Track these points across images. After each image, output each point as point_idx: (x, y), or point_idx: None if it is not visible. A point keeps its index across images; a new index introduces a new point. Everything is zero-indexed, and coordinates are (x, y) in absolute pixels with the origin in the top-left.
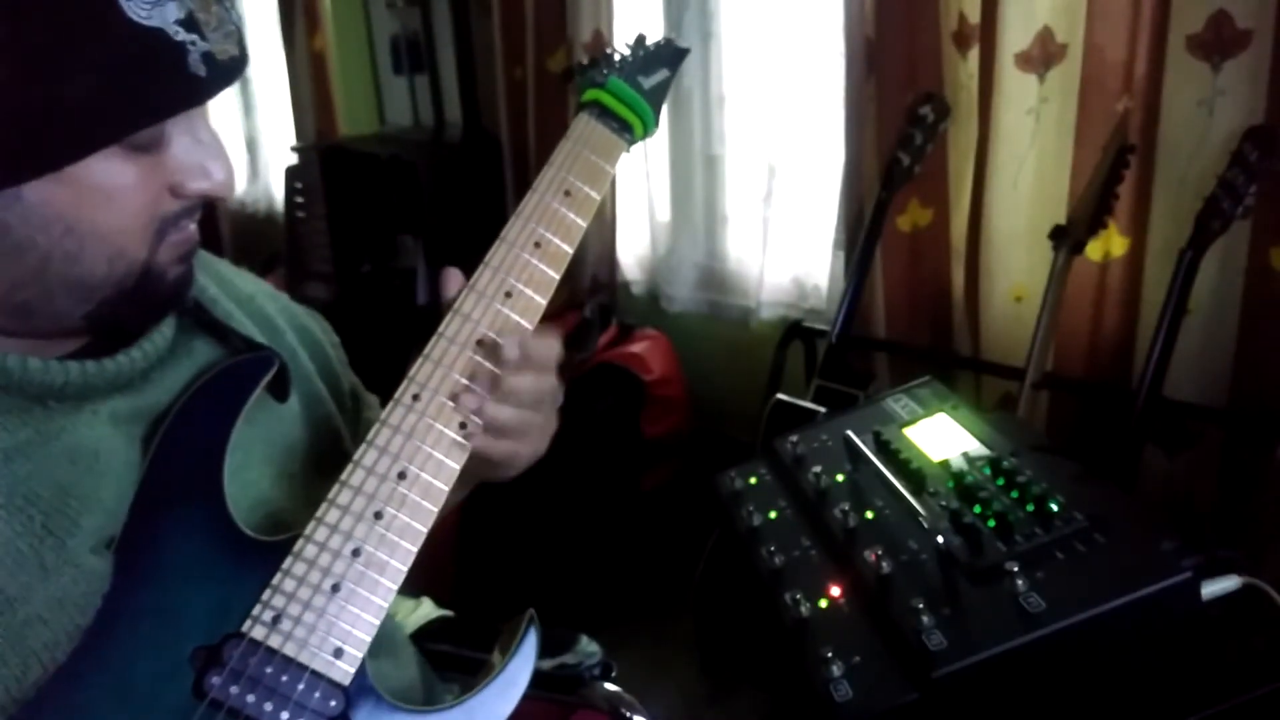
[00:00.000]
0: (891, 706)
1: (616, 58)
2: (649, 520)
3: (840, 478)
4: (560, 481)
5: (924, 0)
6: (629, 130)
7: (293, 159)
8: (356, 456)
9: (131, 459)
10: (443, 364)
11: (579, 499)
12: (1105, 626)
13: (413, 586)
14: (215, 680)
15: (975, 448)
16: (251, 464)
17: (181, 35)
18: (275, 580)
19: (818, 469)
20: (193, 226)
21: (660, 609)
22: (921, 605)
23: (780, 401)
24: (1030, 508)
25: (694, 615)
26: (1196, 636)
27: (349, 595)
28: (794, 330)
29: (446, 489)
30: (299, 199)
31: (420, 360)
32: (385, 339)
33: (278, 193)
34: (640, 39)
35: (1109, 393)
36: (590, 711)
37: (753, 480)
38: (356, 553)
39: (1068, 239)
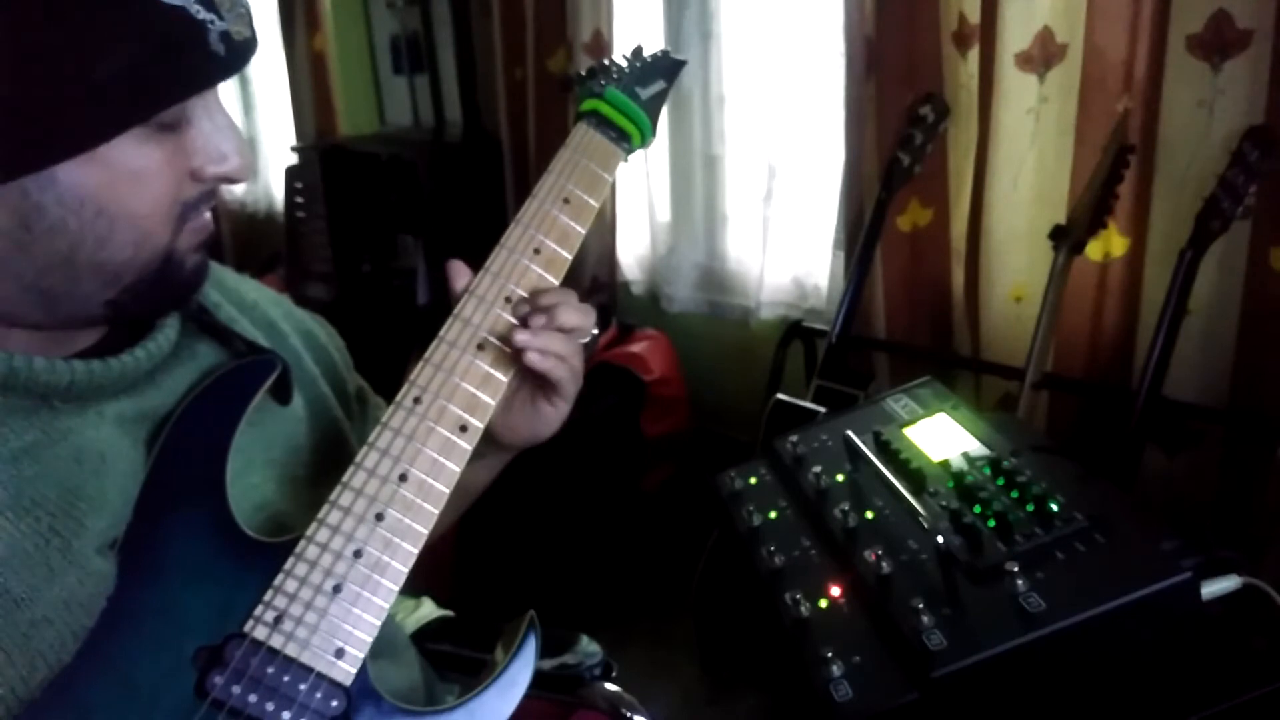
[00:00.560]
0: (891, 706)
1: (614, 68)
2: (649, 520)
3: (840, 478)
4: (560, 481)
5: (924, 0)
6: (627, 139)
7: (293, 159)
8: (358, 459)
9: (137, 460)
10: (443, 368)
11: (579, 499)
12: (1105, 626)
13: (413, 587)
14: (217, 680)
15: (975, 448)
16: (255, 467)
17: (202, 14)
18: (277, 581)
19: (818, 469)
20: (208, 215)
21: (660, 609)
22: (921, 605)
23: (780, 401)
24: (1030, 508)
25: (694, 615)
26: (1196, 636)
27: (350, 596)
28: (794, 330)
29: (447, 491)
30: (299, 199)
31: (421, 364)
32: (385, 339)
33: (278, 193)
34: (638, 50)
35: (1109, 393)
36: (590, 711)
37: (753, 480)
38: (358, 554)
39: (1068, 239)
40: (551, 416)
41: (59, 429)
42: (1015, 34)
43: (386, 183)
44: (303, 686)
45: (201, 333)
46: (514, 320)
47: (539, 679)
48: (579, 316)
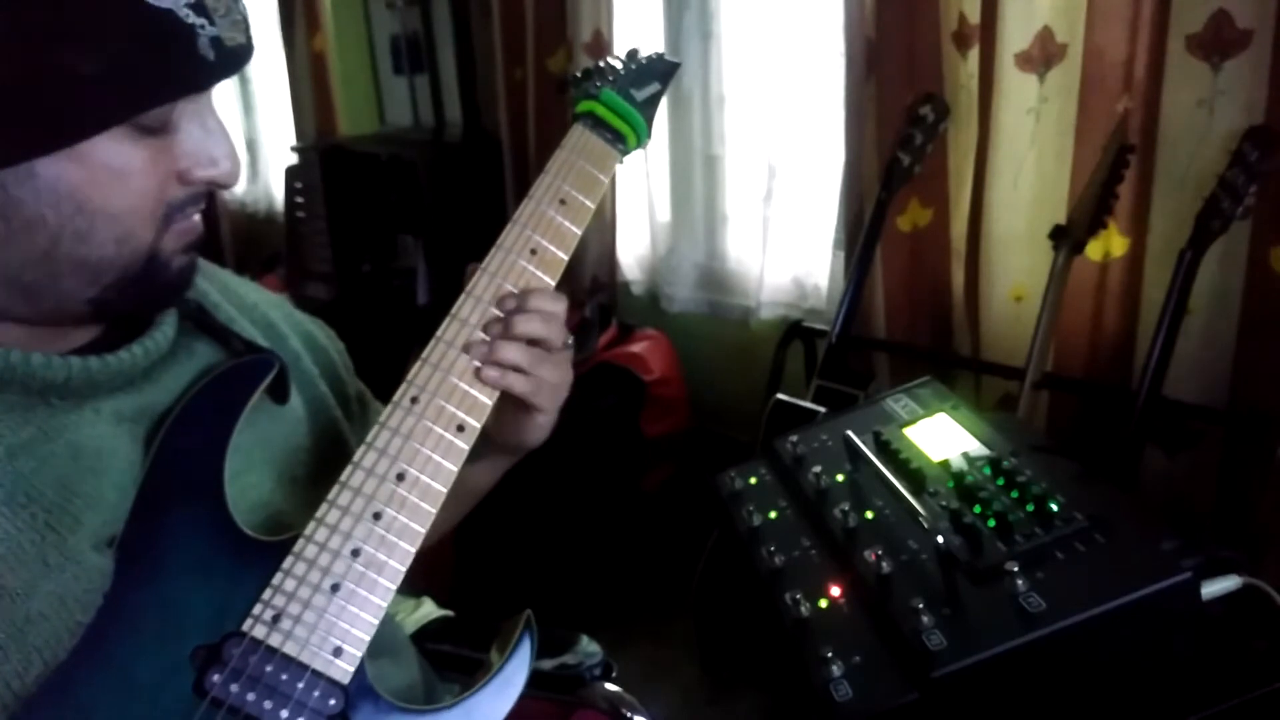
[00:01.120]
0: (891, 706)
1: (609, 70)
2: (649, 520)
3: (840, 478)
4: (560, 481)
5: (924, 0)
6: (622, 141)
7: (293, 159)
8: (356, 458)
9: (134, 458)
10: (440, 367)
11: (579, 499)
12: (1105, 626)
13: (413, 587)
14: (216, 679)
15: (975, 448)
16: (253, 467)
17: (191, 18)
18: (276, 580)
19: (818, 469)
20: (197, 217)
21: (660, 609)
22: (921, 605)
23: (780, 401)
24: (1030, 508)
25: (694, 615)
26: (1196, 636)
27: (348, 595)
28: (794, 330)
29: (444, 490)
30: (299, 199)
31: (419, 364)
32: (385, 339)
33: (278, 193)
34: (633, 52)
35: (1109, 393)
36: (590, 711)
37: (753, 480)
38: (356, 553)
39: (1068, 239)
40: (534, 427)
41: (56, 426)
42: (1015, 34)
43: (386, 183)
44: (301, 685)
45: (200, 331)
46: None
47: (539, 679)
48: (541, 325)
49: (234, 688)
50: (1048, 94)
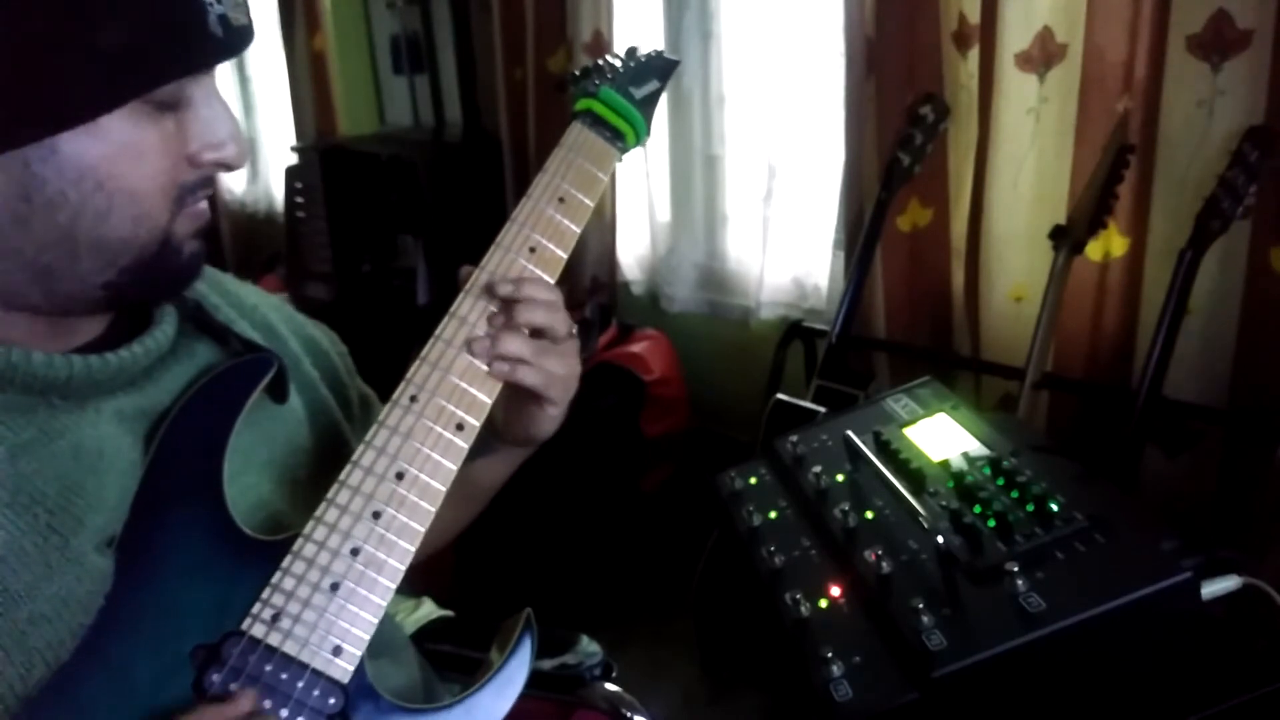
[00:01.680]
0: (891, 706)
1: (608, 68)
2: (649, 520)
3: (840, 478)
4: (560, 481)
5: (924, 0)
6: (621, 139)
7: (293, 159)
8: (355, 457)
9: (135, 458)
10: (439, 366)
11: (579, 499)
12: (1105, 626)
13: (413, 586)
14: (215, 678)
15: (975, 448)
16: (252, 467)
17: None
18: (275, 579)
19: (818, 469)
20: (204, 204)
21: (660, 609)
22: (921, 605)
23: (780, 401)
24: (1030, 508)
25: (694, 615)
26: (1196, 636)
27: (348, 594)
28: (794, 330)
29: (444, 489)
30: (299, 199)
31: (418, 363)
32: (385, 339)
33: (278, 193)
34: (632, 50)
35: (1109, 393)
36: (590, 711)
37: (753, 480)
38: (355, 552)
39: (1068, 239)
40: (544, 419)
41: (57, 426)
42: (1015, 34)
43: (386, 183)
44: (300, 684)
45: (200, 332)
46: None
47: (539, 679)
48: (543, 314)
49: (234, 687)
50: (1048, 94)
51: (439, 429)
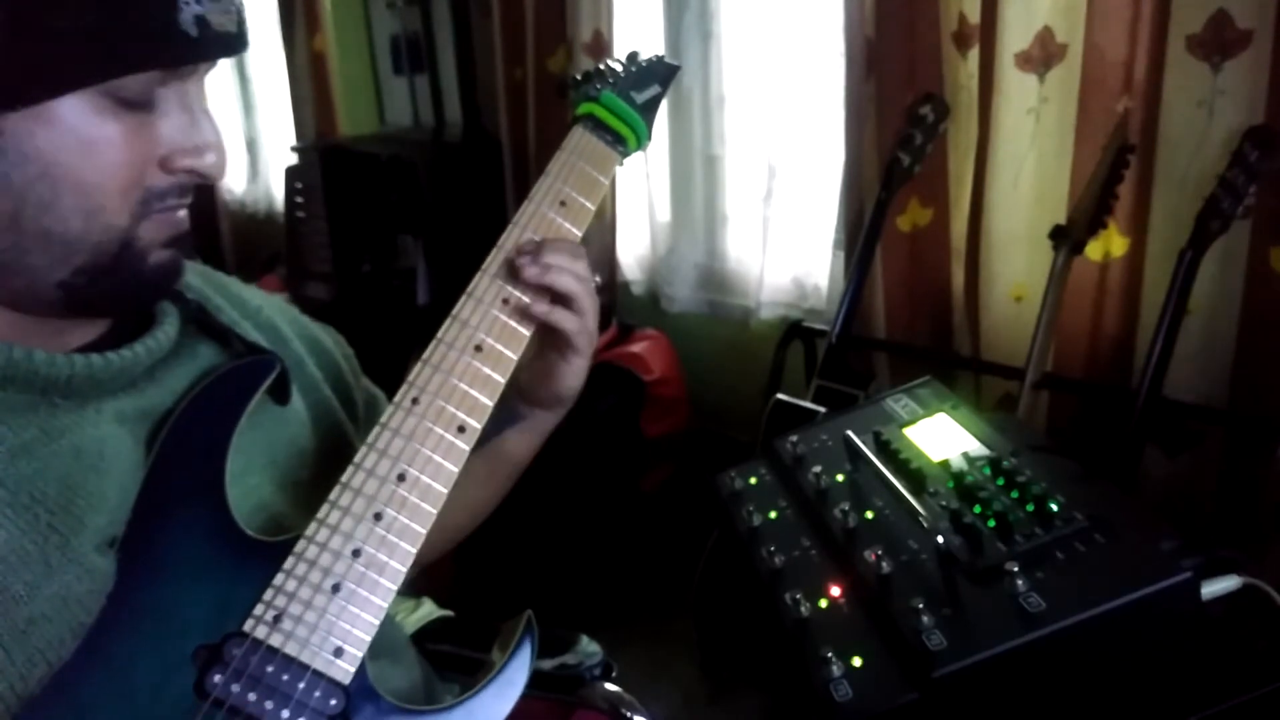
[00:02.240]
0: (891, 706)
1: (610, 73)
2: (649, 520)
3: (840, 478)
4: (560, 481)
5: (924, 0)
6: (622, 143)
7: (293, 159)
8: (357, 459)
9: (136, 458)
10: (441, 368)
11: (579, 499)
12: (1105, 626)
13: (413, 587)
14: (217, 679)
15: (975, 448)
16: (255, 468)
17: None
18: (277, 580)
19: (818, 469)
20: (182, 213)
21: (660, 609)
22: (921, 605)
23: (780, 401)
24: (1030, 508)
25: (694, 615)
26: (1196, 636)
27: (349, 595)
28: (794, 330)
29: (445, 491)
30: (299, 199)
31: (419, 365)
32: (385, 339)
33: (278, 193)
34: (633, 55)
35: (1109, 393)
36: (590, 711)
37: (753, 480)
38: (357, 553)
39: (1068, 239)
40: (569, 373)
41: (58, 426)
42: (1015, 34)
43: (386, 183)
44: (302, 685)
45: (202, 334)
46: (510, 321)
47: (539, 679)
48: (568, 258)
49: (235, 688)
50: (1048, 94)
51: (440, 431)
